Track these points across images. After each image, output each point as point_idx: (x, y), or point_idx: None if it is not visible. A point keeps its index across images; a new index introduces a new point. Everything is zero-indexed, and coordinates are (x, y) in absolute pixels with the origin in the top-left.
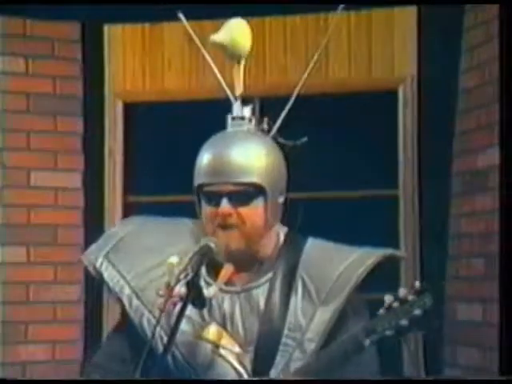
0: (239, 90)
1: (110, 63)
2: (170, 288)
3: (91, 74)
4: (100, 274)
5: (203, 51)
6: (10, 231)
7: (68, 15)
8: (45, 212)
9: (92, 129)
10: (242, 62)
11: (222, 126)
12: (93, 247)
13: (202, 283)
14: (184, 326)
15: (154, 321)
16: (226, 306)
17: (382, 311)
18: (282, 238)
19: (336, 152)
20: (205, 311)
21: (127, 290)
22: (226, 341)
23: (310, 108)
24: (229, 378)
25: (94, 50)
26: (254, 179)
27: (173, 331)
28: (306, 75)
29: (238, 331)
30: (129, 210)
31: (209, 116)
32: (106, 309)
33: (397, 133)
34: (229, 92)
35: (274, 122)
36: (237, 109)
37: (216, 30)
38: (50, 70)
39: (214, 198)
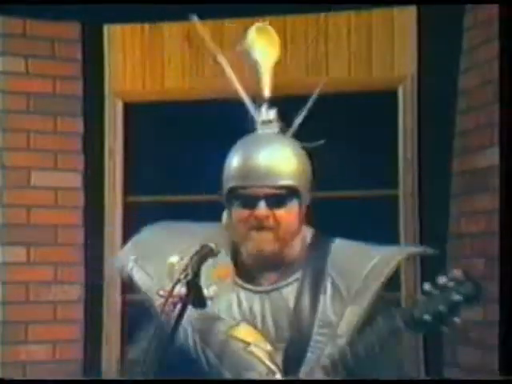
0: (267, 94)
1: (110, 63)
2: (170, 288)
3: (91, 74)
4: (130, 278)
5: (219, 56)
6: (9, 231)
7: (68, 15)
8: (45, 212)
9: (92, 129)
10: (270, 67)
11: (222, 126)
12: (121, 252)
13: (202, 283)
14: (215, 326)
15: (190, 331)
16: (256, 305)
17: (421, 297)
18: (308, 238)
19: (336, 152)
20: (235, 311)
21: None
22: (256, 339)
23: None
24: (260, 375)
25: (94, 50)
26: (290, 182)
27: (173, 331)
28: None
29: (268, 329)
30: (129, 210)
31: (209, 116)
32: (105, 309)
33: (397, 133)
34: (244, 95)
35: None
36: (265, 112)
37: (216, 30)
38: (50, 70)
39: (250, 201)
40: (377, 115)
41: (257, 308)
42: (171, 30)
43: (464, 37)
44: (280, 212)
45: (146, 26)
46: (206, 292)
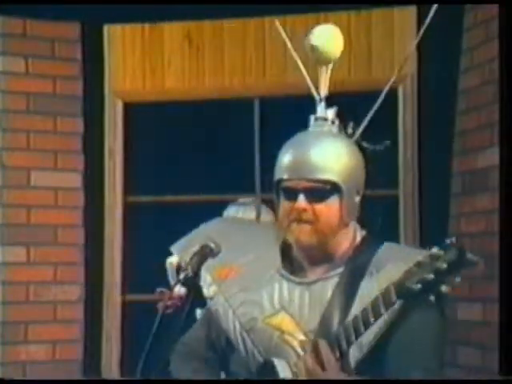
0: (324, 92)
1: (110, 63)
2: (170, 288)
3: (91, 74)
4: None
5: (292, 51)
6: (9, 231)
7: (68, 15)
8: (45, 212)
9: (92, 129)
10: (330, 66)
11: (222, 126)
12: (183, 242)
13: (202, 283)
14: (254, 312)
15: (231, 315)
16: (296, 296)
17: (413, 267)
18: (358, 238)
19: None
20: (276, 301)
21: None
22: (292, 328)
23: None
24: (292, 362)
25: (94, 49)
26: (330, 176)
27: (173, 331)
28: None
29: (303, 320)
30: (129, 210)
31: (209, 116)
32: (105, 309)
33: (397, 133)
34: (314, 91)
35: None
36: (320, 110)
37: (216, 30)
38: (50, 70)
39: (292, 194)
40: (377, 115)
41: (296, 299)
42: (171, 30)
43: (464, 37)
44: (319, 206)
45: (146, 26)
46: (206, 292)
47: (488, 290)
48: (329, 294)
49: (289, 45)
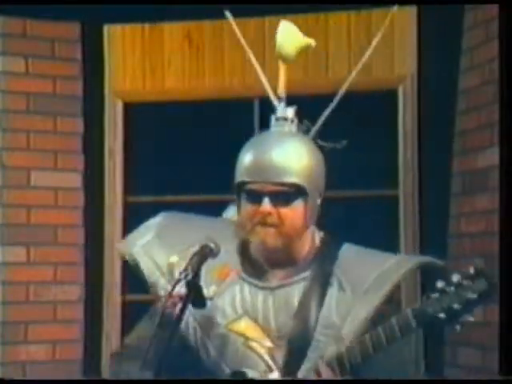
0: (283, 92)
1: (110, 63)
2: (170, 288)
3: (91, 74)
4: (136, 262)
5: (248, 51)
6: (9, 231)
7: (68, 15)
8: (45, 212)
9: (92, 129)
10: (286, 64)
11: (222, 126)
12: (130, 236)
13: (202, 283)
14: (216, 318)
15: (192, 320)
16: (260, 301)
17: (434, 295)
18: (317, 240)
19: (336, 152)
20: (238, 305)
21: (162, 282)
22: (257, 334)
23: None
24: (258, 370)
25: (94, 49)
26: (296, 180)
27: (173, 331)
28: (353, 74)
29: (269, 326)
30: (129, 210)
31: (209, 116)
32: (105, 309)
33: (397, 133)
34: (270, 92)
35: (312, 122)
36: (280, 110)
37: (216, 30)
38: (50, 70)
39: (256, 197)
40: (377, 115)
41: (260, 304)
42: (171, 30)
43: (464, 37)
44: (284, 210)
45: (146, 26)
46: (206, 292)
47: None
48: (294, 299)
49: (246, 47)
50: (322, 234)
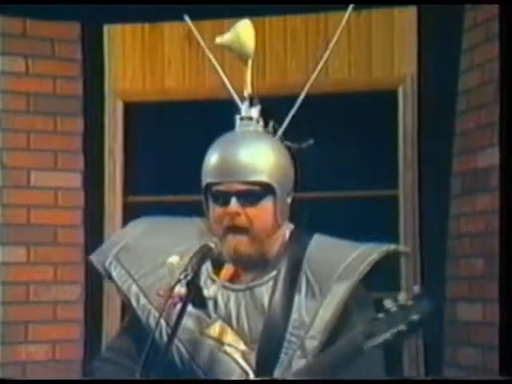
0: (247, 91)
1: (110, 63)
2: (170, 288)
3: (91, 74)
4: (109, 274)
5: (207, 52)
6: (9, 231)
7: (68, 15)
8: (45, 212)
9: (92, 129)
10: (249, 63)
11: (222, 126)
12: (103, 247)
13: (202, 283)
14: (189, 323)
15: (164, 326)
16: (232, 303)
17: (381, 315)
18: (287, 235)
19: (336, 152)
20: (210, 309)
21: (134, 289)
22: (230, 338)
23: (312, 108)
24: (234, 375)
25: (94, 50)
26: (263, 178)
27: (173, 331)
28: (314, 75)
29: (243, 329)
30: (129, 210)
31: (209, 116)
32: (105, 309)
33: (397, 133)
34: (233, 93)
35: (278, 122)
36: (245, 109)
37: (216, 30)
38: (50, 70)
39: (223, 198)
40: (377, 115)
41: (232, 307)
42: (171, 30)
43: (464, 37)
44: (252, 210)
45: (146, 26)
46: (205, 292)
47: (488, 289)
48: (265, 300)
49: (205, 49)
50: (291, 226)
